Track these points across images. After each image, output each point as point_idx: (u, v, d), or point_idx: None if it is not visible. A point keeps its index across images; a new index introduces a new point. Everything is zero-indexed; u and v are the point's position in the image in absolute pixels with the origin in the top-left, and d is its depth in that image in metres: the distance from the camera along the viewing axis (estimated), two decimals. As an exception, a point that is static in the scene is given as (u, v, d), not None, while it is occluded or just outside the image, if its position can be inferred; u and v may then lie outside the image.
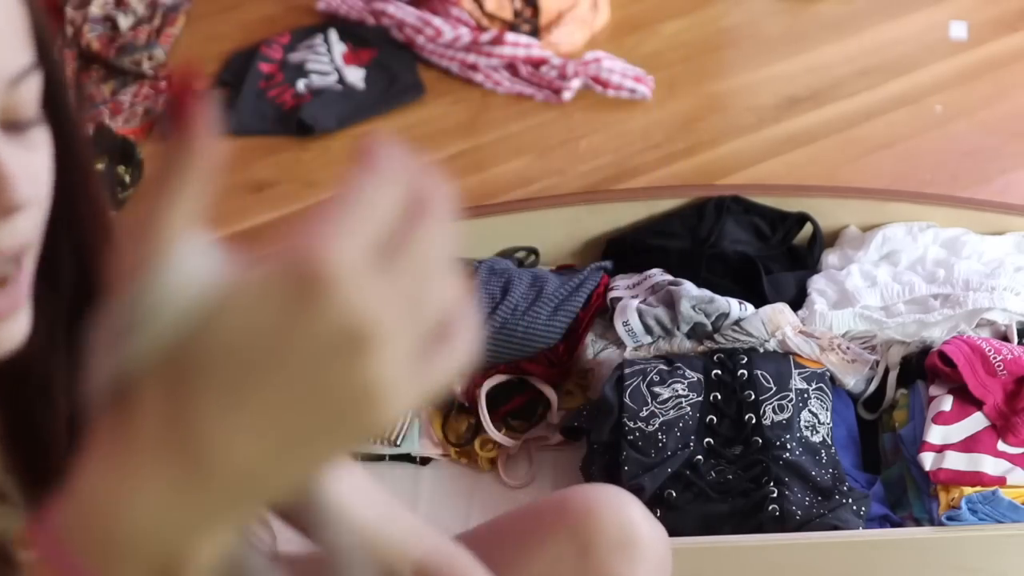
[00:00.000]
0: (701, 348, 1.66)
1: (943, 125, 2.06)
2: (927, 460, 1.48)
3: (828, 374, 1.61)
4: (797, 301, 1.72)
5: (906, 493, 1.51)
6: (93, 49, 2.24)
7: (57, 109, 0.77)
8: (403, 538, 1.07)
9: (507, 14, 2.23)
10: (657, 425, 1.55)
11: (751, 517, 1.48)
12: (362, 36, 2.24)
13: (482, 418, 1.66)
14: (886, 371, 1.62)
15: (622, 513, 1.13)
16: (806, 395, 1.57)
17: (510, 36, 2.18)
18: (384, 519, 1.08)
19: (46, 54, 0.75)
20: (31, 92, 0.73)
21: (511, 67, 2.17)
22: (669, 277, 1.71)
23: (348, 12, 2.28)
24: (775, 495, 1.48)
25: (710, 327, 1.66)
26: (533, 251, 1.83)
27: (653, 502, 1.49)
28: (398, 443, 1.64)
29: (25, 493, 0.83)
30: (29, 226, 0.74)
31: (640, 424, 1.56)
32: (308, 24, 2.28)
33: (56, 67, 0.77)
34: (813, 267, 1.77)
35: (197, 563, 0.52)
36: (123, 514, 0.51)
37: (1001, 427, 1.49)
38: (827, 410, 1.57)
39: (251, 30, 2.25)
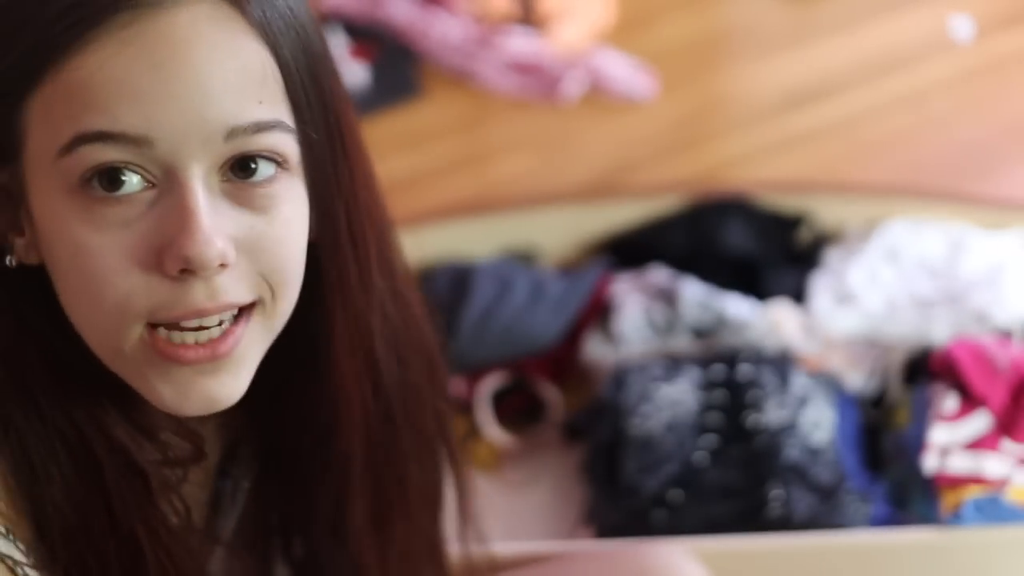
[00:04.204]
0: (701, 347, 1.65)
1: (945, 122, 2.06)
2: (930, 461, 1.48)
3: (830, 373, 1.61)
4: (798, 300, 1.72)
5: (909, 494, 1.50)
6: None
7: (320, 192, 0.81)
8: None
9: (508, 13, 2.23)
10: (658, 425, 1.55)
11: (753, 518, 1.47)
12: (363, 34, 2.24)
13: (482, 418, 1.66)
14: (888, 370, 1.62)
15: None
16: (807, 395, 1.57)
17: (511, 35, 2.18)
18: None
19: (305, 121, 0.78)
20: (267, 144, 0.76)
21: (512, 66, 2.16)
22: (669, 276, 1.71)
23: (350, 9, 2.28)
24: (777, 496, 1.48)
25: (711, 326, 1.66)
26: (533, 251, 1.83)
27: (654, 502, 1.49)
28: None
29: None
30: (229, 285, 0.76)
31: (640, 424, 1.55)
32: (308, 23, 2.28)
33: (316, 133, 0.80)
34: (814, 265, 1.77)
35: None
36: None
37: (1005, 427, 1.49)
38: (829, 410, 1.56)
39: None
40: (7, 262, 0.78)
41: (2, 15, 0.75)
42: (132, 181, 0.74)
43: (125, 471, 0.80)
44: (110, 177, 0.74)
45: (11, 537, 0.77)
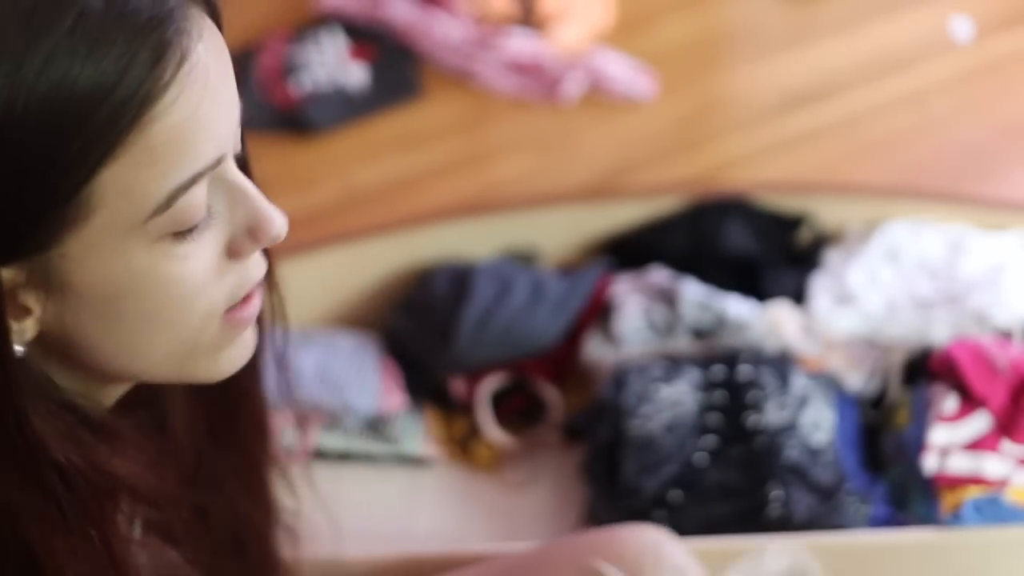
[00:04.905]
0: (701, 348, 1.65)
1: (945, 122, 2.06)
2: (930, 461, 1.48)
3: (830, 374, 1.61)
4: (798, 300, 1.72)
5: (909, 494, 1.50)
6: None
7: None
8: None
9: (508, 13, 2.23)
10: (658, 425, 1.55)
11: (753, 518, 1.47)
12: (363, 34, 2.24)
13: (482, 418, 1.66)
14: (888, 371, 1.62)
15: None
16: (807, 395, 1.57)
17: (511, 36, 2.18)
18: None
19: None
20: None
21: (512, 66, 2.16)
22: (669, 276, 1.71)
23: (350, 9, 2.28)
24: (777, 496, 1.48)
25: (711, 327, 1.66)
26: (533, 251, 1.83)
27: (654, 503, 1.49)
28: (398, 443, 1.64)
29: None
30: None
31: (640, 424, 1.55)
32: (309, 21, 2.28)
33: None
34: (814, 266, 1.77)
35: None
36: None
37: (1005, 427, 1.49)
38: (829, 410, 1.56)
39: (252, 27, 2.25)
40: (16, 352, 0.74)
41: (66, 92, 0.69)
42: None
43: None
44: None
45: None
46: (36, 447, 0.74)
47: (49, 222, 0.71)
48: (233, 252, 0.77)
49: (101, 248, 0.72)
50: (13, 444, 0.73)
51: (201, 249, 0.75)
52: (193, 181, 0.73)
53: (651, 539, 1.18)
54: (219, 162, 0.75)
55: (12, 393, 0.73)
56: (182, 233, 0.74)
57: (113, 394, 0.83)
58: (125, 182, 0.71)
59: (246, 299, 0.80)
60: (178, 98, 0.71)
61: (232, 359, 0.81)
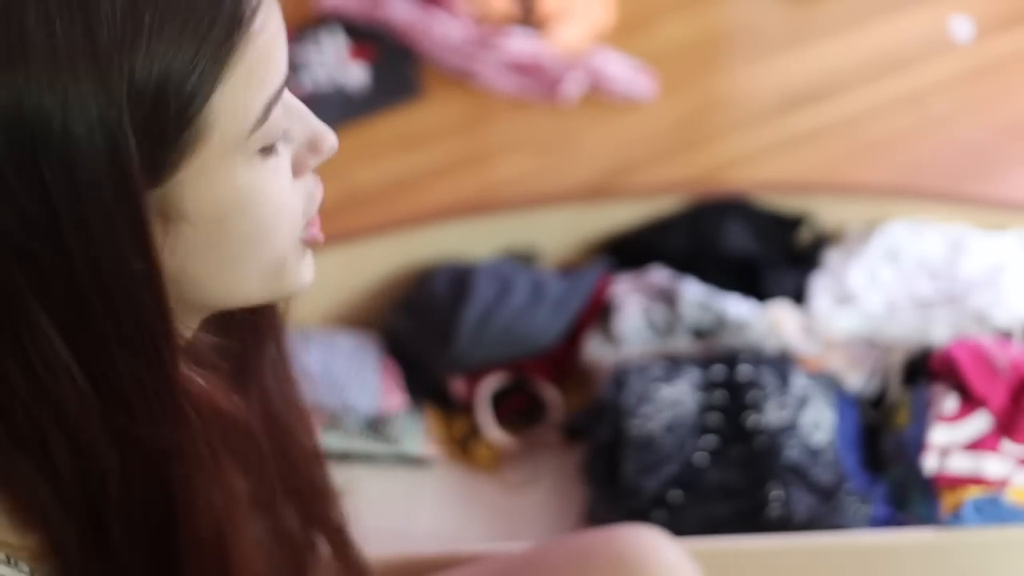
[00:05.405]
0: (701, 348, 1.65)
1: (945, 122, 2.06)
2: (930, 461, 1.48)
3: (830, 374, 1.61)
4: (798, 300, 1.71)
5: (909, 494, 1.50)
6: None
7: None
8: None
9: (508, 13, 2.23)
10: (658, 425, 1.55)
11: (753, 519, 1.47)
12: (363, 34, 2.24)
13: (482, 418, 1.66)
14: (888, 371, 1.62)
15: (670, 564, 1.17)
16: (807, 395, 1.57)
17: (511, 35, 2.18)
18: None
19: None
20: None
21: (512, 66, 2.16)
22: (669, 276, 1.71)
23: (350, 9, 2.28)
24: (777, 496, 1.48)
25: (711, 327, 1.66)
26: (533, 251, 1.83)
27: (654, 503, 1.49)
28: (398, 443, 1.64)
29: None
30: None
31: (640, 424, 1.55)
32: (309, 21, 2.28)
33: None
34: (814, 266, 1.77)
35: None
36: None
37: (1005, 427, 1.49)
38: (829, 410, 1.56)
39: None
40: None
41: (167, 15, 0.72)
42: None
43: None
44: None
45: (13, 561, 0.77)
46: (179, 383, 0.78)
47: (174, 151, 0.73)
48: (298, 169, 0.82)
49: (212, 170, 0.75)
50: (168, 380, 0.77)
51: (282, 164, 0.80)
52: (279, 94, 0.77)
53: (649, 539, 1.18)
54: (287, 79, 0.79)
55: (168, 318, 0.76)
56: (268, 148, 0.78)
57: (193, 328, 0.86)
58: (232, 101, 0.74)
59: (313, 219, 0.85)
60: (266, 17, 0.75)
61: (305, 275, 0.85)
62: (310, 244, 0.85)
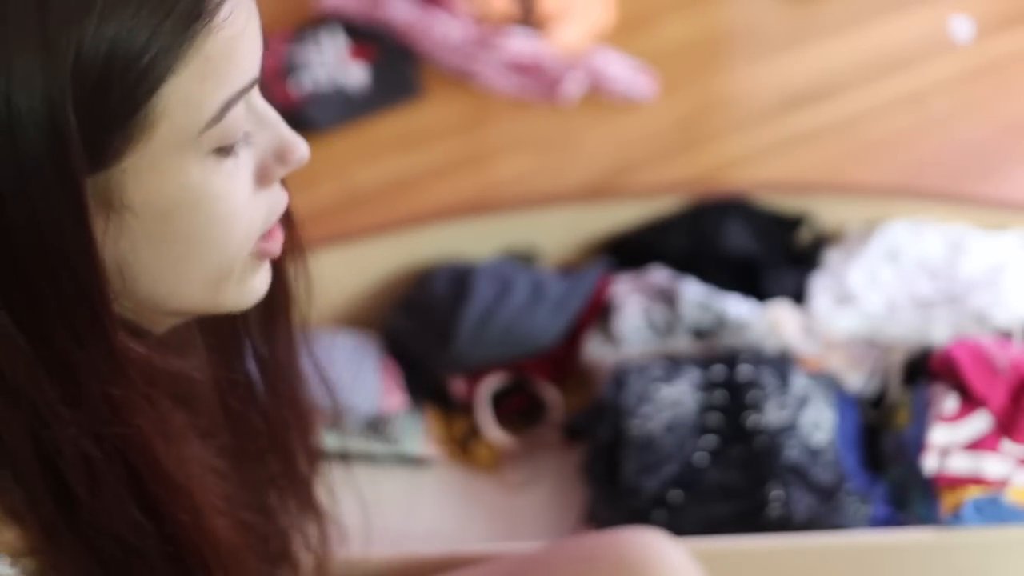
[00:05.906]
0: (701, 348, 1.65)
1: (945, 122, 2.06)
2: (930, 461, 1.48)
3: (830, 374, 1.61)
4: (798, 300, 1.71)
5: (909, 494, 1.50)
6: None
7: None
8: None
9: (508, 13, 2.23)
10: (658, 425, 1.55)
11: (753, 518, 1.47)
12: (363, 34, 2.24)
13: (482, 418, 1.66)
14: (888, 371, 1.62)
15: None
16: (807, 395, 1.57)
17: (511, 35, 2.18)
18: None
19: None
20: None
21: (512, 66, 2.16)
22: (669, 276, 1.71)
23: (350, 9, 2.28)
24: (777, 496, 1.48)
25: (711, 327, 1.66)
26: (533, 251, 1.83)
27: (654, 503, 1.49)
28: (398, 443, 1.64)
29: None
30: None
31: (640, 424, 1.55)
32: (309, 21, 2.28)
33: None
34: (814, 266, 1.77)
35: None
36: None
37: (1005, 427, 1.49)
38: (829, 410, 1.56)
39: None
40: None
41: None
42: None
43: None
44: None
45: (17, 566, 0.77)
46: (117, 346, 0.77)
47: (117, 136, 0.73)
48: (262, 177, 0.80)
49: (160, 162, 0.75)
50: (108, 342, 0.76)
51: (241, 168, 0.78)
52: (240, 95, 0.76)
53: (653, 542, 1.18)
54: (254, 82, 0.78)
55: (106, 298, 0.76)
56: (225, 149, 0.77)
57: (166, 325, 0.86)
58: (186, 93, 0.73)
59: (271, 232, 0.83)
60: (231, 13, 0.74)
61: (255, 289, 0.84)
62: (263, 257, 0.83)
